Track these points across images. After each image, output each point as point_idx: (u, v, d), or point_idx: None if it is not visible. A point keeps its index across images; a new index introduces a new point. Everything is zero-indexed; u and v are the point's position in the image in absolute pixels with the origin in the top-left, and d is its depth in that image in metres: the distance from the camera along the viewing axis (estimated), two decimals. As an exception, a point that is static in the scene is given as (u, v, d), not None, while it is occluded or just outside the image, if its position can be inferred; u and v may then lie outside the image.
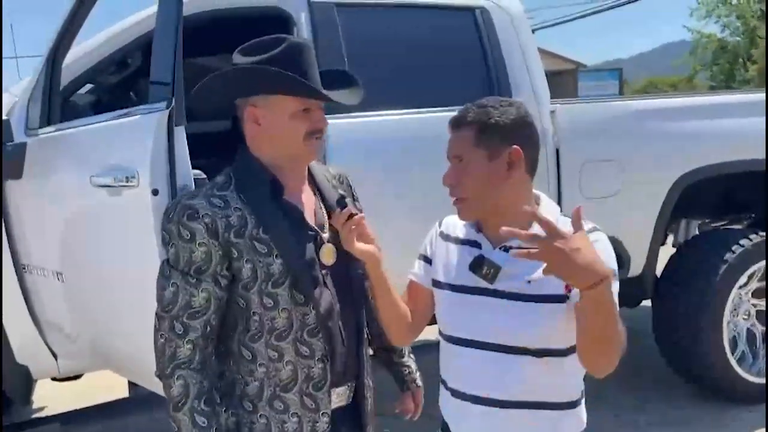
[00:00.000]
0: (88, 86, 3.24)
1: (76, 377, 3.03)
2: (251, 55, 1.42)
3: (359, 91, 1.53)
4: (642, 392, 3.54)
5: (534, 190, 1.48)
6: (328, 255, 1.45)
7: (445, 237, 1.53)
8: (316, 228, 1.46)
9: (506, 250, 1.41)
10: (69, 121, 2.56)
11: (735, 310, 3.34)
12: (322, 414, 1.43)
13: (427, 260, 1.55)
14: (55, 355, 2.66)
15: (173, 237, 1.37)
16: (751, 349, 3.40)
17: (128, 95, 3.44)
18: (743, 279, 3.29)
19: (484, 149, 1.39)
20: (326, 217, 1.49)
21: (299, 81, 1.38)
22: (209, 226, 1.35)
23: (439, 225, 1.57)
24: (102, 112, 2.54)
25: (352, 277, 1.49)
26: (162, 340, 1.38)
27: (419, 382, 1.76)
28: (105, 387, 3.47)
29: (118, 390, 3.01)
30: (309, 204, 1.49)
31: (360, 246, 1.41)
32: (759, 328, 3.42)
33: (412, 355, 1.74)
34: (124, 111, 2.27)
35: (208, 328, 1.38)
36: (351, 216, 1.40)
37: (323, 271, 1.45)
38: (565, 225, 1.40)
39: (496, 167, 1.39)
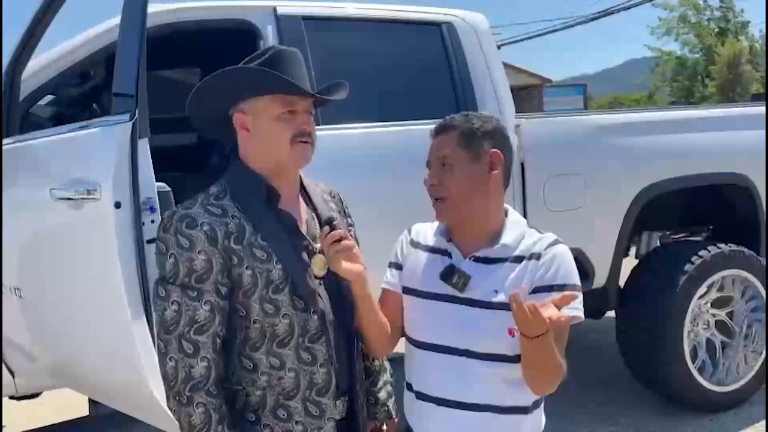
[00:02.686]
0: (49, 98, 3.18)
1: (34, 396, 2.94)
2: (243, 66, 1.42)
3: (342, 92, 1.51)
4: (605, 402, 3.58)
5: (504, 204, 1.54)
6: (319, 266, 1.44)
7: (415, 244, 1.57)
8: (308, 238, 1.46)
9: (476, 260, 1.46)
10: (28, 132, 2.51)
11: (695, 320, 3.40)
12: (327, 419, 1.42)
13: (398, 267, 1.58)
14: (12, 373, 2.58)
15: (171, 246, 1.34)
16: (711, 358, 3.48)
17: (91, 107, 3.39)
18: (703, 289, 3.36)
19: (468, 151, 1.46)
20: (318, 228, 1.49)
21: (276, 75, 1.38)
22: (208, 234, 1.34)
23: (409, 232, 1.61)
24: (63, 125, 2.50)
25: (342, 289, 1.48)
26: (172, 363, 1.33)
27: (392, 412, 1.66)
28: (65, 405, 3.38)
29: (78, 408, 2.94)
30: (302, 214, 1.49)
31: (346, 266, 1.41)
32: (718, 338, 3.50)
33: (388, 386, 1.66)
34: (86, 123, 2.24)
35: (218, 341, 1.36)
36: (340, 239, 1.39)
37: (316, 281, 1.44)
38: (530, 237, 1.47)
39: (478, 168, 1.46)
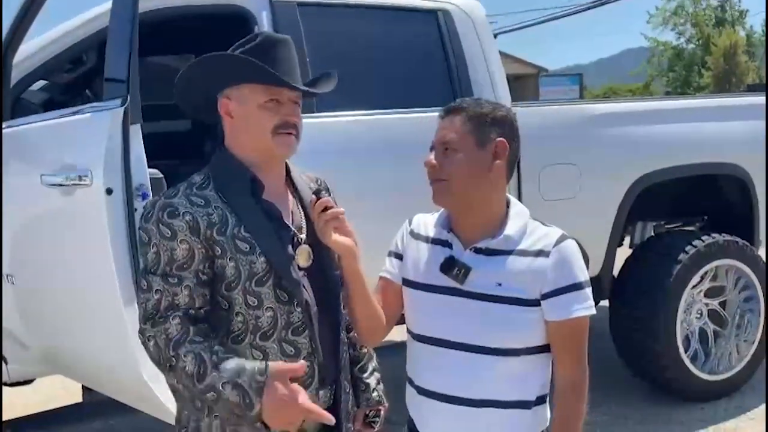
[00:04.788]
0: (41, 83, 3.15)
1: (27, 382, 2.94)
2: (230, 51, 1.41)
3: (331, 83, 1.50)
4: (599, 391, 3.58)
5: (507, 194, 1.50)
6: (303, 256, 1.43)
7: (416, 235, 1.53)
8: (293, 229, 1.45)
9: (477, 251, 1.43)
10: (20, 118, 2.49)
11: (688, 309, 3.41)
12: None
13: (399, 257, 1.55)
14: (4, 360, 2.58)
15: (153, 236, 1.33)
16: (704, 347, 3.49)
17: (83, 93, 3.36)
18: (696, 279, 3.37)
19: (474, 136, 1.41)
20: (304, 219, 1.47)
21: (255, 65, 1.36)
22: (190, 224, 1.32)
23: (409, 223, 1.57)
24: (55, 110, 2.48)
25: (328, 280, 1.47)
26: (152, 342, 1.32)
27: (379, 398, 1.65)
28: (58, 392, 3.38)
29: (72, 395, 2.93)
30: (286, 204, 1.47)
31: (336, 238, 1.38)
32: (711, 327, 3.51)
33: (376, 373, 1.66)
34: (78, 108, 2.22)
35: (191, 312, 1.33)
36: (327, 208, 1.38)
37: (300, 272, 1.42)
38: (535, 230, 1.44)
39: (481, 156, 1.41)
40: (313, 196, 1.41)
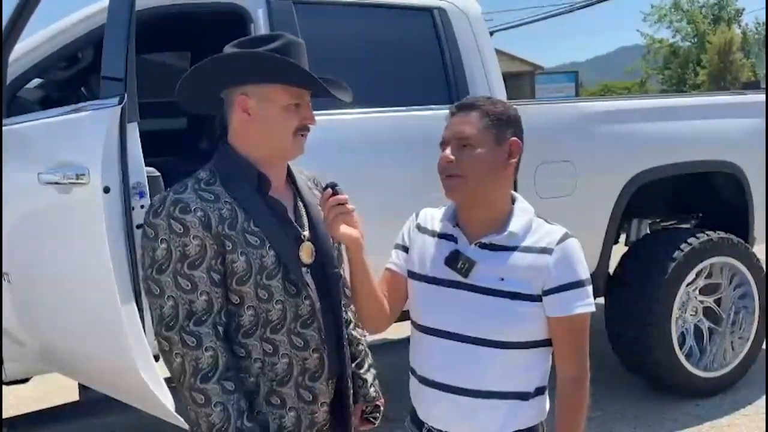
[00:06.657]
0: (37, 81, 3.14)
1: (24, 381, 2.93)
2: (247, 47, 1.40)
3: (348, 91, 1.53)
4: (594, 388, 3.61)
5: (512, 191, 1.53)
6: (306, 253, 1.45)
7: (422, 229, 1.56)
8: (296, 226, 1.47)
9: (482, 246, 1.45)
10: (16, 116, 2.48)
11: (683, 306, 3.44)
12: (321, 404, 1.43)
13: (405, 249, 1.58)
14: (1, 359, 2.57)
15: (162, 232, 1.33)
16: (699, 344, 3.51)
17: (79, 91, 3.36)
18: (691, 276, 3.39)
19: (492, 134, 1.44)
20: (305, 217, 1.49)
21: (307, 72, 1.39)
22: (202, 220, 1.33)
23: (416, 217, 1.60)
24: (51, 108, 2.47)
25: (328, 277, 1.49)
26: (179, 360, 1.33)
27: (376, 394, 1.68)
28: (55, 390, 3.38)
29: (68, 393, 2.93)
30: (289, 201, 1.49)
31: (344, 230, 1.40)
32: (706, 324, 3.53)
33: (373, 369, 1.70)
34: (75, 106, 2.22)
35: (220, 329, 1.35)
36: (341, 203, 1.40)
37: (303, 269, 1.44)
38: (539, 227, 1.47)
39: (499, 153, 1.44)
40: (329, 190, 1.41)
